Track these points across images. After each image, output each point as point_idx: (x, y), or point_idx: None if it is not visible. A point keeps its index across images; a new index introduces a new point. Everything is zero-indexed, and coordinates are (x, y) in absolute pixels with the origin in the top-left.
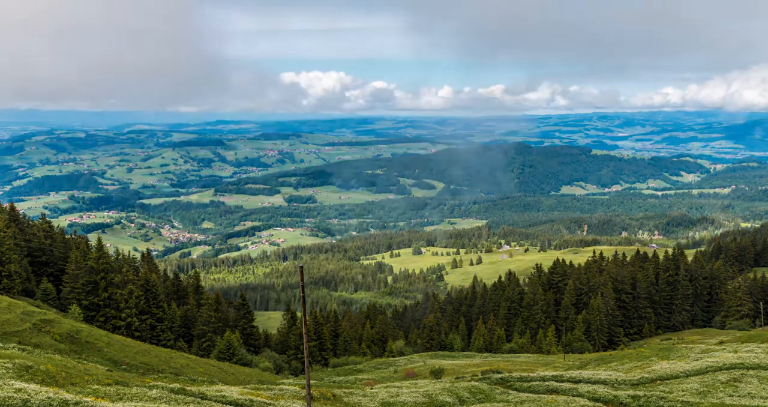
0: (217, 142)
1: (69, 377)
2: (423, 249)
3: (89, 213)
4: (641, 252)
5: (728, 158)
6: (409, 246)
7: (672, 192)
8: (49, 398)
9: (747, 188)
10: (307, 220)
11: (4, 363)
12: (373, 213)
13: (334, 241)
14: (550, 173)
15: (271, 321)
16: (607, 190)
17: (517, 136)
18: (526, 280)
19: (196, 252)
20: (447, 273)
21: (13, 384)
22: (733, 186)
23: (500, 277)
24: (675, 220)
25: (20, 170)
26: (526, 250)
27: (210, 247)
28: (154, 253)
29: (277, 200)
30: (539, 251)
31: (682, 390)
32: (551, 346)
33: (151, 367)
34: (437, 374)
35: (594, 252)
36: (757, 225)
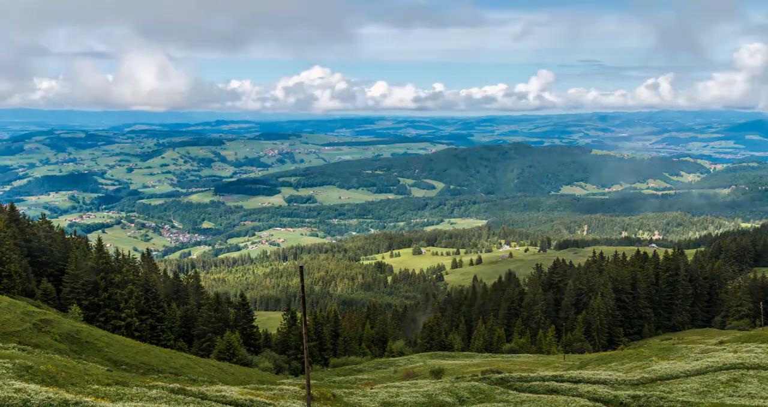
0: (217, 142)
1: (69, 377)
2: (423, 249)
3: (89, 213)
4: (641, 252)
5: (728, 158)
6: (409, 246)
7: (672, 192)
8: (49, 398)
9: (747, 188)
10: (307, 220)
11: (4, 363)
12: (373, 213)
13: (334, 241)
14: (550, 173)
15: (271, 321)
16: (607, 190)
17: (517, 136)
18: (526, 280)
19: (196, 252)
20: (447, 273)
21: (13, 384)
22: (733, 186)
23: (500, 277)
24: (675, 220)
25: (20, 170)
26: (526, 250)
27: (210, 247)
28: (154, 253)
29: (277, 200)
30: (539, 251)
31: (682, 390)
32: (551, 346)
33: (151, 367)
34: (437, 374)
35: (594, 252)
36: (757, 225)
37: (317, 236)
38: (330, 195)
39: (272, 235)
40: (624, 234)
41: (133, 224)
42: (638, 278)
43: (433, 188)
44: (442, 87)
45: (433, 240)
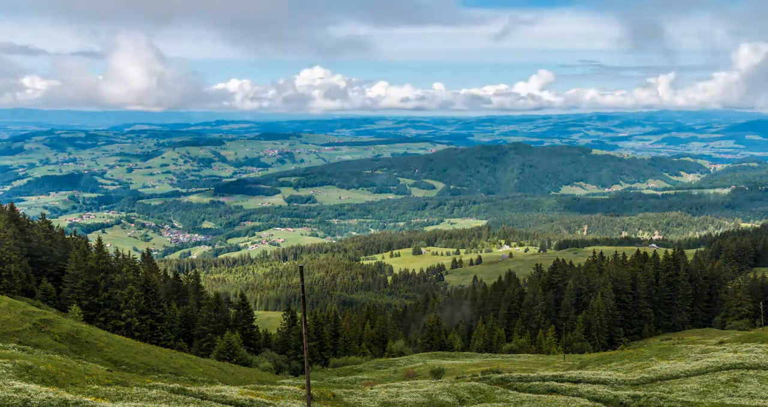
0: (217, 142)
1: (69, 377)
2: (423, 249)
3: (89, 213)
4: (641, 252)
5: (728, 158)
6: (409, 246)
7: (672, 192)
8: (49, 398)
9: (747, 188)
10: (307, 220)
11: (4, 363)
12: (373, 213)
13: (334, 241)
14: (550, 173)
15: (271, 321)
16: (607, 190)
17: (517, 136)
18: (526, 280)
19: (196, 252)
20: (447, 273)
21: (13, 384)
22: (733, 186)
23: (500, 277)
24: (675, 220)
25: (20, 170)
26: (526, 250)
27: (210, 247)
28: (154, 253)
29: (277, 200)
30: (539, 251)
31: (682, 390)
32: (551, 346)
33: (151, 367)
34: (437, 374)
35: (594, 252)
36: (757, 225)
37: (317, 236)
38: (330, 195)
39: (272, 235)
40: (624, 234)
41: (133, 224)
42: (638, 278)
43: (433, 188)
44: (442, 87)
45: (433, 240)
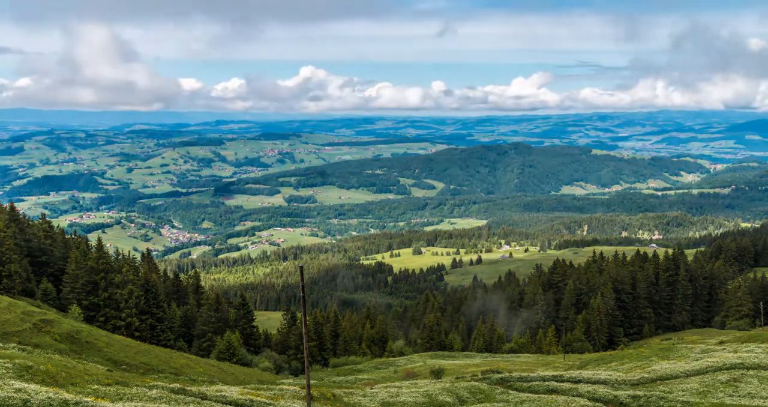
0: (217, 142)
1: (69, 377)
2: (423, 249)
3: (89, 213)
4: (641, 252)
5: (728, 158)
6: (409, 246)
7: (672, 192)
8: (49, 398)
9: (747, 188)
10: (307, 220)
11: (4, 363)
12: (373, 213)
13: (334, 241)
14: (550, 173)
15: (271, 321)
16: (607, 190)
17: (517, 136)
18: (526, 280)
19: (196, 252)
20: (447, 273)
21: (13, 384)
22: (733, 186)
23: (500, 277)
24: (675, 220)
25: (20, 170)
26: (526, 250)
27: (210, 247)
28: (154, 253)
29: (277, 200)
30: (539, 251)
31: (682, 390)
32: (551, 346)
33: (151, 367)
34: (437, 374)
35: (594, 252)
36: (757, 225)
37: (317, 236)
38: (330, 195)
39: (272, 235)
40: (624, 234)
41: (133, 224)
42: (638, 278)
43: (433, 188)
44: (442, 86)
45: (433, 240)
